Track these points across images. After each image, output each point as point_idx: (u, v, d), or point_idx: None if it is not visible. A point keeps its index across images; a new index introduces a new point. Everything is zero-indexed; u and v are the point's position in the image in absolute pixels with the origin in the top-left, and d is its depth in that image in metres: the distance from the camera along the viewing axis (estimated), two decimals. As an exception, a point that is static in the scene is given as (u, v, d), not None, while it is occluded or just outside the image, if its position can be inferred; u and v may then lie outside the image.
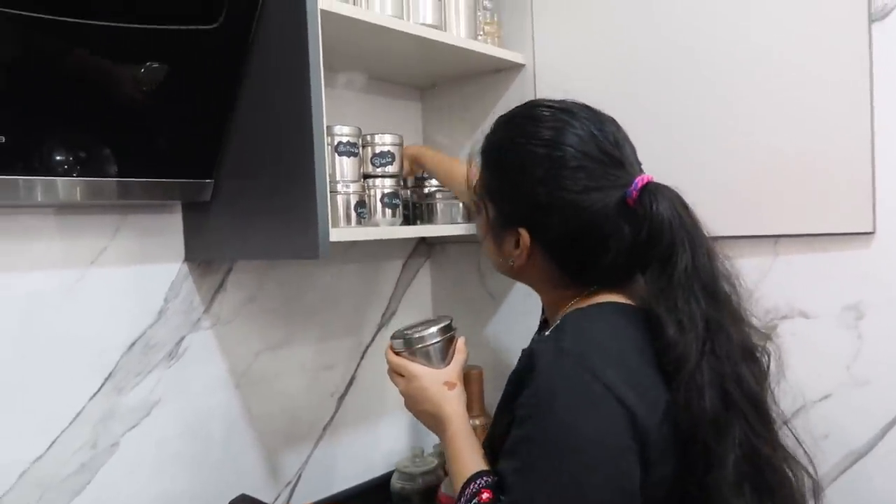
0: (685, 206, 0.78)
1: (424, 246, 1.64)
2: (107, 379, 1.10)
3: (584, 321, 0.79)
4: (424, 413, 0.92)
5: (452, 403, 0.90)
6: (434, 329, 0.94)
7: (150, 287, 1.16)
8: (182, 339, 1.20)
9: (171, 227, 1.18)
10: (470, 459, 0.84)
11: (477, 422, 1.45)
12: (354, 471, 1.46)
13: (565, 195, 0.78)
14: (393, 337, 0.97)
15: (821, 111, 1.08)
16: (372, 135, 1.26)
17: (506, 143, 0.85)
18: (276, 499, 1.33)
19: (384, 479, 1.45)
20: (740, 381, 0.73)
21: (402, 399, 0.95)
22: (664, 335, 0.74)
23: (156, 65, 0.97)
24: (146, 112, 1.01)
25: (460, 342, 0.97)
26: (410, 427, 1.60)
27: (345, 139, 1.19)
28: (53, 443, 1.04)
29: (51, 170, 0.94)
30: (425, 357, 0.93)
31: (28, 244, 1.02)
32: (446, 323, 0.96)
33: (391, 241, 1.57)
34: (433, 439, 1.63)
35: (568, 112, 0.81)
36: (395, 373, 0.95)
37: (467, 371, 1.48)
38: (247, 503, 1.01)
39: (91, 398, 1.09)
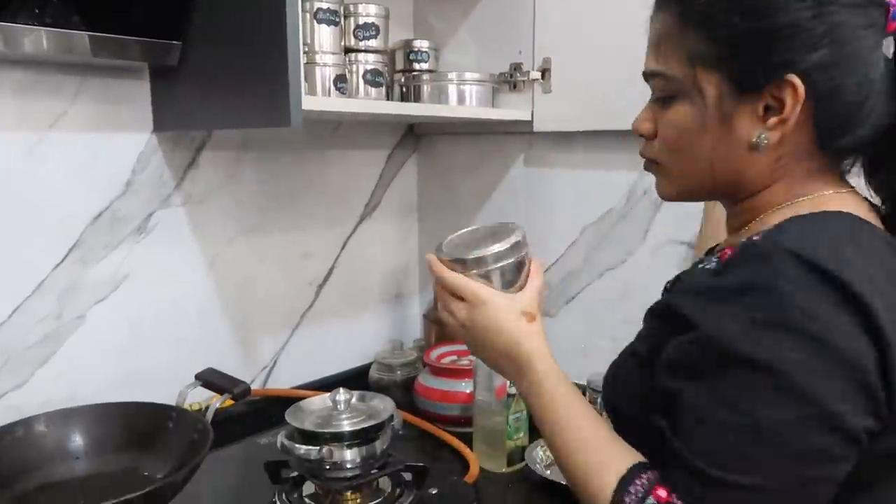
0: None
1: (412, 137, 1.57)
2: (71, 249, 1.06)
3: (820, 228, 0.58)
4: (495, 351, 0.70)
5: (534, 340, 0.69)
6: (502, 246, 0.71)
7: (116, 157, 1.10)
8: (151, 214, 1.15)
9: (137, 94, 1.11)
10: (586, 426, 0.64)
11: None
12: (333, 360, 1.45)
13: (837, 16, 0.58)
14: (440, 250, 0.74)
15: None
16: (355, 4, 1.17)
17: None
18: (251, 382, 1.32)
19: (363, 370, 1.44)
20: None
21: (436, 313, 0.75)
22: None
23: None
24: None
25: (534, 264, 0.74)
26: (390, 320, 1.58)
27: (324, 5, 1.10)
28: (16, 310, 1.01)
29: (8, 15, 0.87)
30: (488, 282, 0.71)
31: (-20, 100, 0.96)
32: (517, 238, 0.72)
33: (376, 129, 1.50)
34: (413, 332, 1.62)
35: None
36: (452, 295, 0.72)
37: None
38: (213, 376, 0.99)
39: (55, 268, 1.05)
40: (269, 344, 1.35)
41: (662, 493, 0.57)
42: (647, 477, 0.59)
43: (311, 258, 1.40)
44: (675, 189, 0.70)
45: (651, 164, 0.71)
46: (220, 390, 0.97)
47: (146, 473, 0.89)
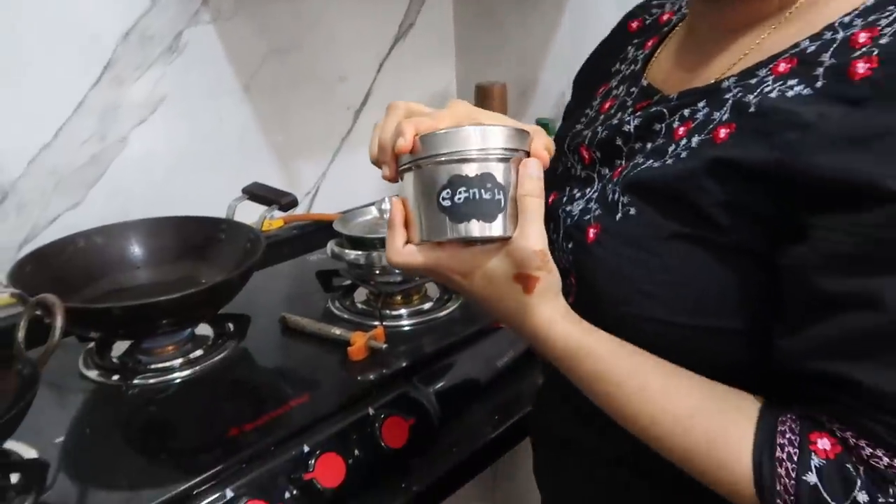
0: None
1: (445, -51, 1.46)
2: (105, 69, 1.04)
3: None
4: (507, 318, 0.50)
5: (538, 314, 0.48)
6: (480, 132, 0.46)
7: (138, -30, 1.05)
8: (181, 32, 1.11)
9: None
10: (652, 372, 0.46)
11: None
12: (374, 186, 1.44)
13: None
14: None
15: None
16: None
17: None
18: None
19: (404, 197, 1.44)
20: None
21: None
22: None
23: None
24: None
25: (530, 166, 0.47)
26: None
27: None
28: (59, 131, 1.01)
29: None
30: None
31: None
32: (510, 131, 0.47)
33: (407, -60, 1.39)
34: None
35: None
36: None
37: (487, 86, 1.37)
38: (260, 189, 0.99)
39: (91, 88, 1.03)
40: (310, 169, 1.35)
41: (825, 442, 0.40)
42: (789, 423, 0.41)
43: (347, 81, 1.36)
44: None
45: None
46: (267, 202, 0.98)
47: (204, 280, 0.93)
